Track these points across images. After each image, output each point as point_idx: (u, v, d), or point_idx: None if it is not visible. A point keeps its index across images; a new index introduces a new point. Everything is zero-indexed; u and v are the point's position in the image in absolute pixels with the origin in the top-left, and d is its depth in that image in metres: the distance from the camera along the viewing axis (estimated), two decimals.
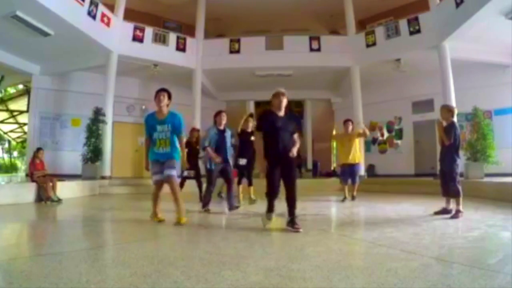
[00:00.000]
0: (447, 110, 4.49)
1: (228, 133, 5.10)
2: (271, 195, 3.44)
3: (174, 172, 3.82)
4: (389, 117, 11.72)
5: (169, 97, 3.95)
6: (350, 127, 6.37)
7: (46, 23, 7.31)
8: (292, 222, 3.29)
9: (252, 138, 5.26)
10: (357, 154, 6.42)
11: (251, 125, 5.83)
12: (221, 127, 5.01)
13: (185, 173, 5.96)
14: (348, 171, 6.33)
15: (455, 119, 4.50)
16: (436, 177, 8.82)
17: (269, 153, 3.44)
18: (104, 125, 8.89)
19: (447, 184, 4.28)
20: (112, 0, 9.46)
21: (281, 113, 3.54)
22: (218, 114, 5.08)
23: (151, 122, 3.92)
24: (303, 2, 11.35)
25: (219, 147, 4.89)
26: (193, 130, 6.92)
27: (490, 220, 3.90)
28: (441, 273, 2.01)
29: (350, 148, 6.24)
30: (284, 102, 3.54)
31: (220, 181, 5.68)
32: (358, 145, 6.47)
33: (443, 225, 3.65)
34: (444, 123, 4.42)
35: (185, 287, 1.77)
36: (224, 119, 5.00)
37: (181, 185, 6.00)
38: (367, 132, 6.46)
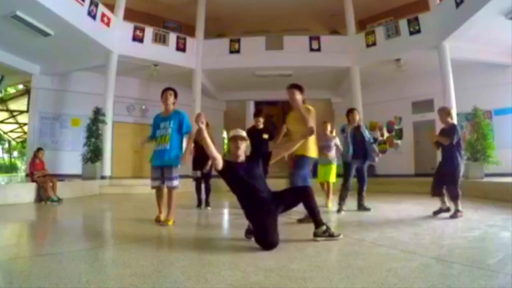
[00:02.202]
0: (446, 113, 4.46)
1: (364, 129, 5.03)
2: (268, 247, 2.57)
3: (175, 183, 3.79)
4: (389, 117, 11.73)
5: (175, 96, 4.00)
6: (296, 96, 3.88)
7: (46, 23, 7.31)
8: (327, 231, 2.84)
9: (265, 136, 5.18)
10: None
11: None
12: (355, 124, 4.99)
13: (193, 175, 5.65)
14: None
15: (455, 120, 4.48)
16: None
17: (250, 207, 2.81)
18: (104, 125, 8.89)
19: (447, 186, 4.22)
20: (112, 0, 9.47)
21: (240, 160, 2.90)
22: (350, 112, 5.02)
23: (157, 122, 3.97)
24: (303, 2, 11.35)
25: (356, 144, 4.86)
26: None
27: (490, 220, 3.90)
28: (441, 273, 2.01)
29: (291, 133, 3.98)
30: (243, 147, 2.92)
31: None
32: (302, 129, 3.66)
33: (443, 225, 3.65)
34: (443, 126, 4.42)
35: (185, 287, 1.77)
36: (357, 116, 4.98)
37: (198, 190, 5.67)
38: (308, 120, 3.66)
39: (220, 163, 2.79)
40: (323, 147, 5.62)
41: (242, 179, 2.79)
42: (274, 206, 2.78)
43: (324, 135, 5.74)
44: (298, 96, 3.90)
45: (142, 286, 1.77)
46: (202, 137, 2.79)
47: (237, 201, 2.87)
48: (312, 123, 3.61)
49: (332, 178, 5.69)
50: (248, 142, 3.03)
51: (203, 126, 2.77)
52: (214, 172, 5.94)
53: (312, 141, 3.84)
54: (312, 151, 3.90)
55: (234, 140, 2.90)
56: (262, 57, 10.55)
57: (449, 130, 4.31)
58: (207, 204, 5.54)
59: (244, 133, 2.97)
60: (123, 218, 4.62)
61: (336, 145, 5.73)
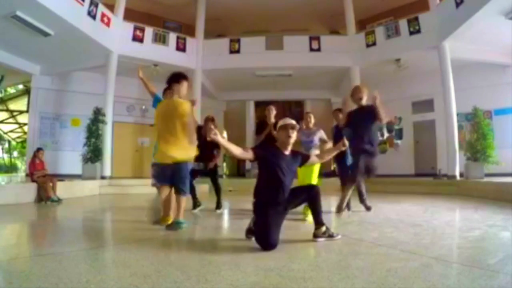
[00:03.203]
0: (359, 90, 4.66)
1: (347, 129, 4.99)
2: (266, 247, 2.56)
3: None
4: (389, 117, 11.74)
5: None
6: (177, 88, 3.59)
7: (46, 23, 7.30)
8: (327, 232, 2.86)
9: None
10: (178, 142, 3.38)
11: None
12: (337, 123, 5.06)
13: (193, 166, 4.60)
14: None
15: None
16: (437, 177, 8.87)
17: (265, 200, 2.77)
18: (104, 125, 8.90)
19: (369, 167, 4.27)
20: (112, 0, 9.47)
21: (287, 151, 2.85)
22: (335, 110, 5.15)
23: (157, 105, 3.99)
24: (303, 2, 11.35)
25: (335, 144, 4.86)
26: (207, 120, 4.96)
27: (490, 220, 3.89)
28: (441, 273, 2.01)
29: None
30: (295, 136, 2.83)
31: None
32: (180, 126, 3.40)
33: (443, 225, 3.65)
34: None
35: (185, 287, 1.77)
36: (339, 116, 5.05)
37: (192, 188, 4.84)
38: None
39: (251, 156, 2.72)
40: (304, 144, 4.70)
41: (280, 170, 2.72)
42: (285, 206, 2.79)
43: (306, 129, 4.82)
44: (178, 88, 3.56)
45: (142, 286, 1.77)
46: (222, 146, 2.68)
47: (252, 192, 2.82)
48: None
49: (314, 179, 4.56)
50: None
51: (218, 137, 2.53)
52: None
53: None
54: (192, 153, 3.46)
55: (285, 128, 2.80)
56: (262, 57, 10.55)
57: (373, 108, 4.31)
58: (219, 206, 5.00)
59: (294, 122, 2.87)
60: (123, 218, 4.62)
61: (322, 140, 4.81)
